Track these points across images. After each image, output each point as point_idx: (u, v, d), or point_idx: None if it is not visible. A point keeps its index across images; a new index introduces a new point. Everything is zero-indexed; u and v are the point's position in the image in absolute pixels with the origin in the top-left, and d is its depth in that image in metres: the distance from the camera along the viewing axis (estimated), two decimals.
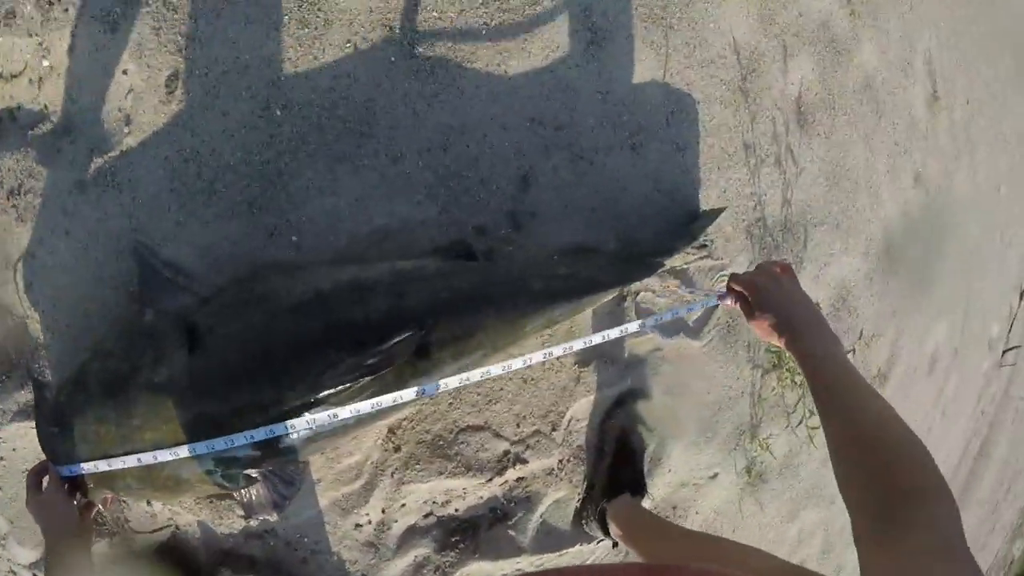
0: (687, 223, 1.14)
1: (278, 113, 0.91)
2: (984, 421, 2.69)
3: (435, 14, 0.98)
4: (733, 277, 0.86)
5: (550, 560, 1.15)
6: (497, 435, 1.04)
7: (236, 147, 0.90)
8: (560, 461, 1.11)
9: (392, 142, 0.95)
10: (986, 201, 2.17)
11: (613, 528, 1.08)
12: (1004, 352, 2.57)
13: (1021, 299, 2.61)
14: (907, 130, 1.71)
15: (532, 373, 1.05)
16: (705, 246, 1.18)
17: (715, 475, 1.33)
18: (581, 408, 1.11)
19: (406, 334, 0.81)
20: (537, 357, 0.84)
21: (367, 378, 0.79)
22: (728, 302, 0.87)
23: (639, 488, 1.10)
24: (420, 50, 0.96)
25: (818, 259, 1.50)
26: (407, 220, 0.95)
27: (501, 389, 1.03)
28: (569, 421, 1.11)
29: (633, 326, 0.90)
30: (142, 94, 0.88)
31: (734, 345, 1.31)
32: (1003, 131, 2.27)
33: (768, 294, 0.80)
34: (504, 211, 1.01)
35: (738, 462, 1.36)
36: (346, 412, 0.78)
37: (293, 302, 0.85)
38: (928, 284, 1.90)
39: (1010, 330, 2.58)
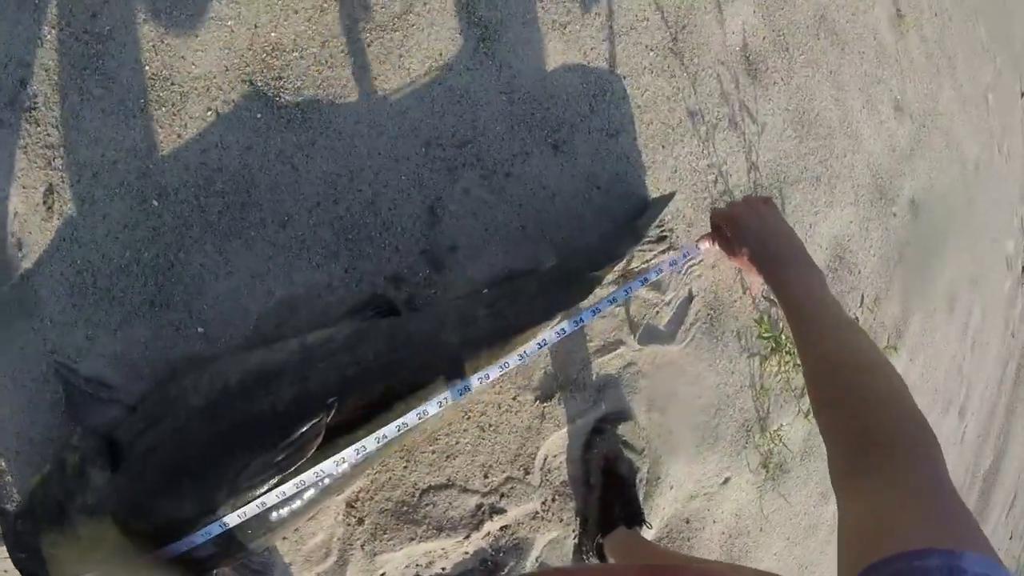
0: (634, 219, 1.00)
1: (155, 203, 0.86)
2: (1016, 344, 2.52)
3: (295, 54, 0.89)
4: (713, 211, 0.84)
5: None
6: (465, 490, 0.95)
7: (123, 248, 0.86)
8: (543, 503, 1.01)
9: (277, 206, 0.87)
10: (977, 115, 1.94)
11: (613, 564, 0.97)
12: (1023, 269, 2.41)
13: None
14: (876, 57, 1.49)
15: (489, 419, 0.95)
16: (664, 237, 1.03)
17: (727, 480, 1.18)
18: (554, 444, 1.00)
19: (311, 423, 0.75)
20: (513, 360, 0.79)
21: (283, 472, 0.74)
22: (707, 243, 0.84)
23: (634, 519, 0.98)
24: (286, 98, 0.88)
25: (803, 220, 1.30)
26: (311, 287, 0.87)
27: (456, 443, 0.94)
28: (544, 460, 1.01)
29: (620, 293, 0.86)
30: (25, 216, 0.85)
31: (721, 338, 1.15)
32: (979, 36, 1.97)
33: (748, 226, 0.77)
34: (417, 252, 0.92)
35: (751, 460, 1.21)
36: (273, 498, 0.74)
37: (202, 402, 0.80)
38: (930, 217, 1.70)
39: None
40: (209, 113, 0.86)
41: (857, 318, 1.42)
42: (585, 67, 1.03)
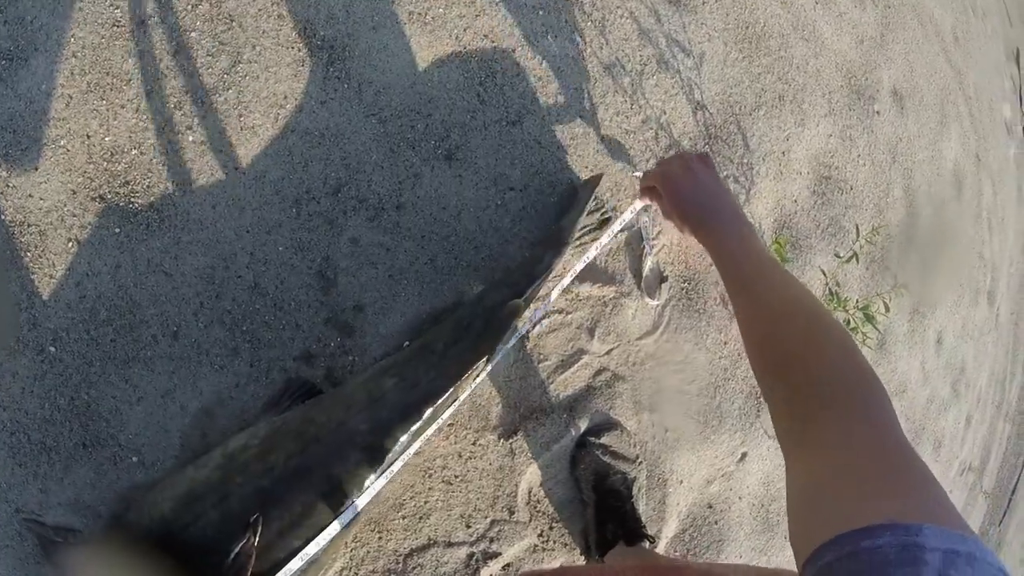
0: (560, 217, 0.86)
1: (52, 350, 0.83)
2: None
3: (135, 151, 0.80)
4: (644, 173, 0.81)
5: None
6: (449, 544, 0.90)
7: (40, 400, 0.84)
8: (540, 534, 0.94)
9: (163, 318, 0.82)
10: None
11: (613, 564, 0.90)
12: None
13: (1019, 63, 2.25)
14: None
15: (453, 471, 0.88)
16: (608, 219, 0.88)
17: (743, 456, 1.06)
18: (535, 476, 0.92)
19: (239, 546, 0.71)
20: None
21: None
22: (645, 200, 0.80)
23: (633, 535, 0.89)
24: (139, 203, 0.80)
25: (773, 151, 1.10)
26: (219, 392, 0.82)
27: (425, 503, 0.88)
28: (528, 494, 0.93)
29: (591, 252, 0.82)
30: None
31: (703, 311, 1.01)
32: None
33: (678, 183, 0.74)
34: (321, 323, 0.84)
35: (767, 426, 1.06)
36: None
37: (145, 538, 0.79)
38: (919, 99, 1.50)
39: (1021, 102, 2.28)
40: (70, 244, 0.81)
41: (858, 246, 1.21)
42: (462, 53, 0.88)
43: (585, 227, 0.92)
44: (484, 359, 0.74)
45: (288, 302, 0.83)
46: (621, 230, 0.88)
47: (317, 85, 0.85)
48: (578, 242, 0.91)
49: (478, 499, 0.90)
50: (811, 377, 0.49)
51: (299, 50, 0.85)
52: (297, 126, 0.83)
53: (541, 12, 0.95)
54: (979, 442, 2.10)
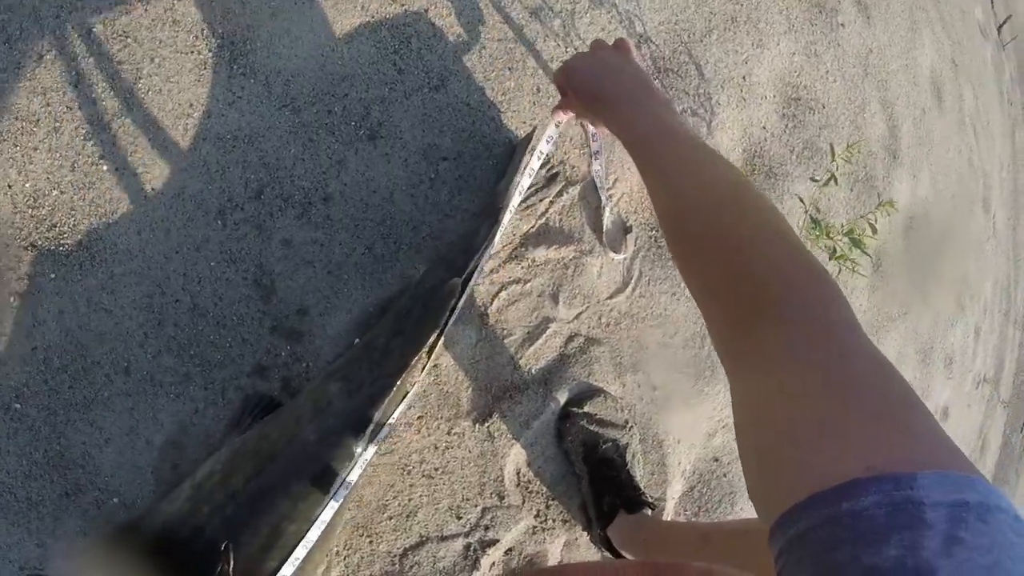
0: (499, 180, 0.79)
1: (18, 407, 0.81)
2: (1017, 110, 2.27)
3: (55, 192, 0.77)
4: (553, 74, 0.72)
5: None
6: (443, 538, 0.87)
7: (18, 457, 0.81)
8: (536, 515, 0.90)
9: (112, 356, 0.80)
10: None
11: (625, 553, 0.85)
12: (999, 30, 2.21)
13: None
14: None
15: (432, 464, 0.84)
16: (556, 174, 0.81)
17: None
18: (519, 457, 0.88)
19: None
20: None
21: None
22: (561, 114, 0.71)
23: (633, 503, 0.84)
24: (68, 242, 0.77)
25: (732, 77, 1.01)
26: (182, 421, 0.80)
27: (410, 500, 0.85)
28: (517, 476, 0.89)
29: (514, 200, 0.73)
30: None
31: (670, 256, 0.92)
32: None
33: (578, 71, 0.65)
34: (267, 333, 0.80)
35: None
36: None
37: None
38: (885, 7, 1.40)
39: (992, 2, 2.18)
40: (12, 299, 0.79)
41: (834, 167, 1.10)
42: (371, 23, 0.82)
43: (532, 186, 0.85)
44: (426, 348, 0.69)
45: (230, 317, 0.80)
46: (543, 166, 0.80)
47: (223, 86, 0.80)
48: (526, 204, 0.85)
49: (464, 489, 0.86)
50: (752, 278, 0.40)
51: (199, 53, 0.80)
52: (208, 133, 0.79)
53: None
54: (991, 352, 1.99)
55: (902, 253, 1.36)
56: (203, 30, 0.80)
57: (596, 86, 0.63)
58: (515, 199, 0.76)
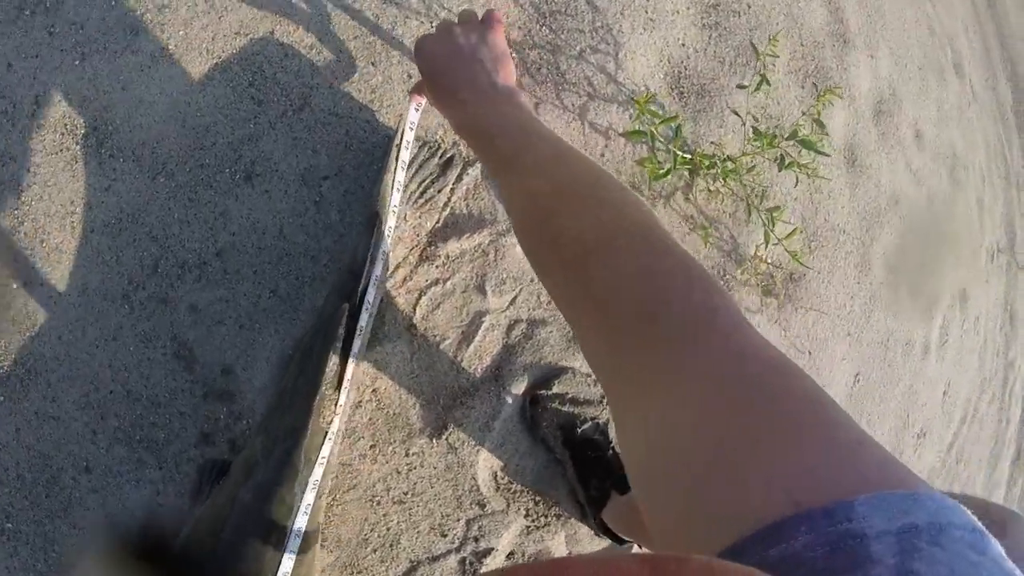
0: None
1: (10, 526, 0.83)
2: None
3: None
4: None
5: None
6: (434, 559, 0.84)
7: (23, 573, 0.89)
8: (526, 514, 0.85)
9: (72, 459, 0.81)
10: None
11: (627, 538, 0.79)
12: None
13: None
14: None
15: (400, 489, 0.81)
16: (451, 158, 0.76)
17: None
18: (490, 461, 0.83)
19: None
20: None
21: None
22: (416, 98, 0.68)
23: (626, 483, 0.77)
24: (5, 366, 0.80)
25: (633, 1, 0.88)
26: (148, 505, 0.81)
27: (388, 529, 0.82)
28: (494, 479, 0.84)
29: (395, 198, 0.70)
30: None
31: (656, 196, 0.83)
32: None
33: (425, 53, 0.58)
34: (200, 401, 0.79)
35: (749, 300, 0.88)
36: None
37: None
38: None
39: None
40: None
41: (760, 66, 0.96)
42: (220, 64, 0.78)
43: (427, 178, 0.79)
44: (326, 384, 0.65)
45: (162, 395, 0.79)
46: (436, 152, 0.74)
47: (96, 174, 0.79)
48: (424, 198, 0.79)
49: (440, 506, 0.82)
50: (621, 289, 0.34)
51: (68, 149, 0.79)
52: (94, 224, 0.79)
53: None
54: (999, 220, 1.81)
55: (878, 141, 1.19)
56: (65, 124, 0.79)
57: (442, 74, 0.57)
58: (394, 198, 0.71)
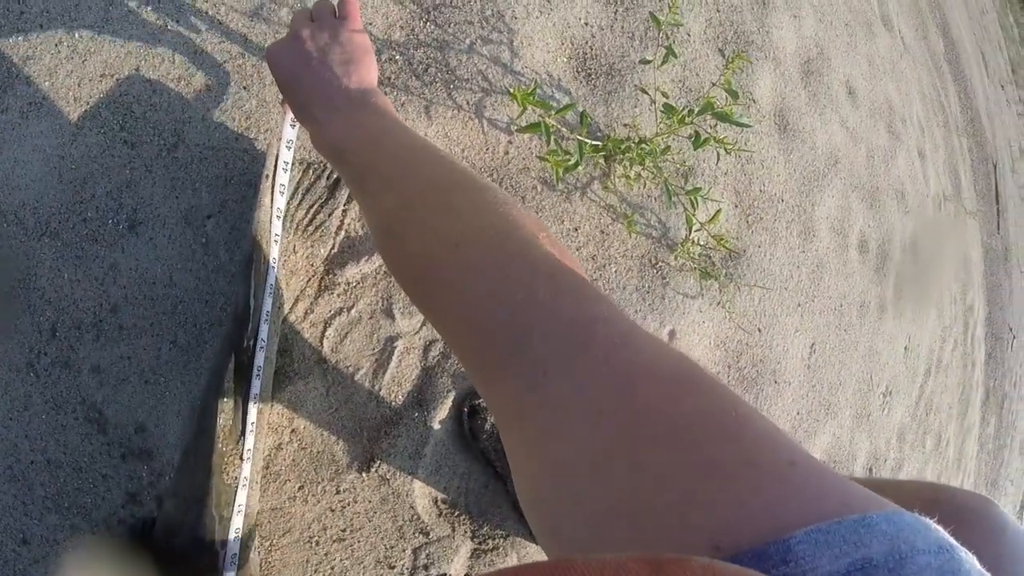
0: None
1: None
2: None
3: None
4: None
5: None
6: None
7: None
8: (473, 536, 0.82)
9: (9, 531, 0.81)
10: None
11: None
12: None
13: None
14: None
15: (337, 527, 0.79)
16: (338, 181, 0.72)
17: (671, 333, 0.82)
18: (427, 488, 0.79)
19: None
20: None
21: None
22: (287, 107, 0.64)
23: None
24: None
25: None
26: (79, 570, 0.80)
27: (332, 568, 0.80)
28: (435, 505, 0.81)
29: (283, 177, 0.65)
30: None
31: (571, 190, 0.77)
32: None
33: (273, 60, 0.53)
34: (119, 461, 0.77)
35: (686, 287, 0.82)
36: None
37: None
38: None
39: None
40: None
41: (663, 38, 0.88)
42: (88, 111, 0.74)
43: (316, 202, 0.75)
44: (228, 436, 0.62)
45: (82, 460, 0.78)
46: (321, 175, 0.69)
47: None
48: (313, 225, 0.75)
49: (382, 539, 0.79)
50: (485, 307, 0.29)
51: None
52: None
53: (148, 7, 0.78)
54: (942, 169, 1.78)
55: (808, 102, 1.11)
56: None
57: (293, 88, 0.53)
58: (275, 226, 0.67)
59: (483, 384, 0.30)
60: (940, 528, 0.18)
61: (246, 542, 0.67)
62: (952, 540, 0.17)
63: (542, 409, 0.25)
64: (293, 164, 0.72)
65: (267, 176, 0.66)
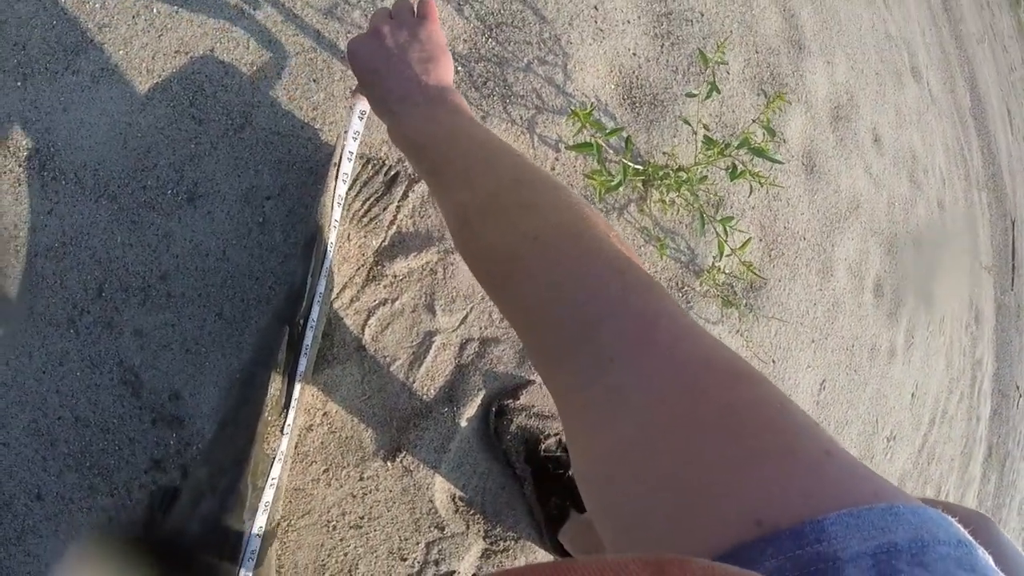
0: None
1: None
2: None
3: None
4: None
5: None
6: None
7: None
8: (485, 536, 0.83)
9: (24, 486, 0.79)
10: None
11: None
12: None
13: None
14: None
15: (356, 514, 0.80)
16: (397, 174, 0.74)
17: None
18: (447, 483, 0.81)
19: None
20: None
21: None
22: (363, 102, 0.65)
23: (581, 501, 0.75)
24: None
25: (580, 11, 1.01)
26: (102, 532, 0.80)
27: (345, 555, 0.80)
28: (452, 501, 0.82)
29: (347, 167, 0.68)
30: None
31: (609, 209, 0.81)
32: None
33: (355, 55, 0.55)
34: (149, 427, 0.78)
35: (708, 313, 0.85)
36: None
37: None
38: None
39: None
40: None
41: (709, 74, 0.94)
42: (160, 83, 0.77)
43: (372, 195, 0.78)
44: (274, 407, 0.64)
45: (111, 421, 0.78)
46: (380, 169, 0.72)
47: (39, 197, 0.78)
48: (368, 216, 0.78)
49: (398, 530, 0.81)
50: (556, 301, 0.32)
51: (11, 172, 0.78)
52: (38, 247, 0.77)
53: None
54: (960, 222, 1.81)
55: (835, 146, 1.17)
56: (9, 147, 0.78)
57: (372, 81, 0.55)
58: (335, 212, 0.69)
59: (549, 367, 0.32)
60: (961, 526, 0.19)
61: (267, 539, 0.68)
62: (971, 538, 0.19)
63: (607, 392, 0.27)
64: (356, 156, 0.74)
65: (335, 164, 0.69)
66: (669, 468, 0.22)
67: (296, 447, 0.76)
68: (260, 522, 0.66)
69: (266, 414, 0.62)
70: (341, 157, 0.69)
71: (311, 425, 0.77)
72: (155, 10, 0.82)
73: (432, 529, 0.81)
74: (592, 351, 0.28)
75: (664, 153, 0.95)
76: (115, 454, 0.78)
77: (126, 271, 0.77)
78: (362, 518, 0.80)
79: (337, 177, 0.69)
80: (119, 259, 0.77)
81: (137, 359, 0.77)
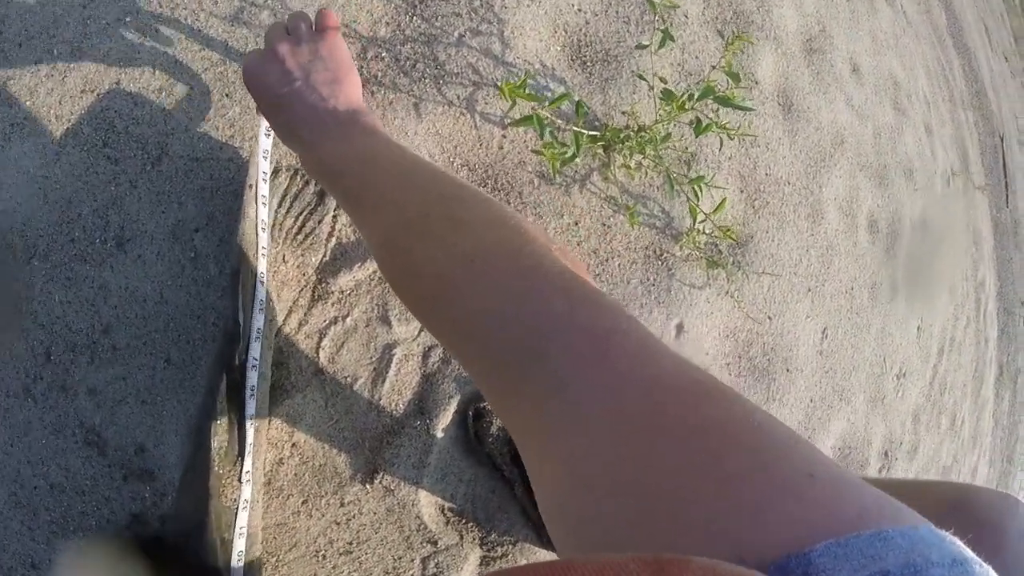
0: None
1: None
2: None
3: None
4: None
5: None
6: None
7: None
8: (482, 543, 0.80)
9: (18, 557, 0.80)
10: None
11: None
12: None
13: None
14: None
15: (343, 540, 0.77)
16: (308, 178, 0.69)
17: (679, 327, 0.80)
18: (432, 497, 0.77)
19: None
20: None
21: None
22: (262, 115, 0.59)
23: None
24: None
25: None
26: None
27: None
28: (442, 513, 0.79)
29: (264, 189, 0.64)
30: None
31: (569, 183, 0.75)
32: None
33: (250, 77, 0.52)
34: (121, 483, 0.76)
35: (693, 277, 0.79)
36: None
37: None
38: None
39: None
40: None
41: (658, 21, 0.85)
42: (70, 129, 0.73)
43: (304, 209, 0.73)
44: (223, 458, 0.61)
45: (84, 483, 0.77)
46: (268, 180, 0.67)
47: None
48: (303, 233, 0.73)
49: (390, 550, 0.78)
50: (494, 326, 0.29)
51: None
52: None
53: (127, 19, 0.76)
54: (949, 144, 1.72)
55: (812, 81, 1.06)
56: None
57: (275, 108, 0.51)
58: (262, 239, 0.65)
59: (500, 398, 0.30)
60: (956, 540, 0.18)
61: (256, 568, 0.66)
62: (968, 553, 0.18)
63: (561, 418, 0.25)
64: (276, 173, 0.70)
65: (250, 186, 0.65)
66: (641, 499, 0.21)
67: (269, 483, 0.73)
68: (238, 575, 0.63)
69: (216, 467, 0.59)
70: (257, 179, 0.65)
71: (281, 459, 0.74)
72: (56, 52, 0.77)
73: (425, 544, 0.78)
74: (543, 376, 0.26)
75: (623, 113, 0.88)
76: (94, 515, 0.77)
77: (69, 330, 0.75)
78: (350, 543, 0.77)
79: (256, 200, 0.65)
80: (60, 319, 0.75)
81: (96, 418, 0.75)
